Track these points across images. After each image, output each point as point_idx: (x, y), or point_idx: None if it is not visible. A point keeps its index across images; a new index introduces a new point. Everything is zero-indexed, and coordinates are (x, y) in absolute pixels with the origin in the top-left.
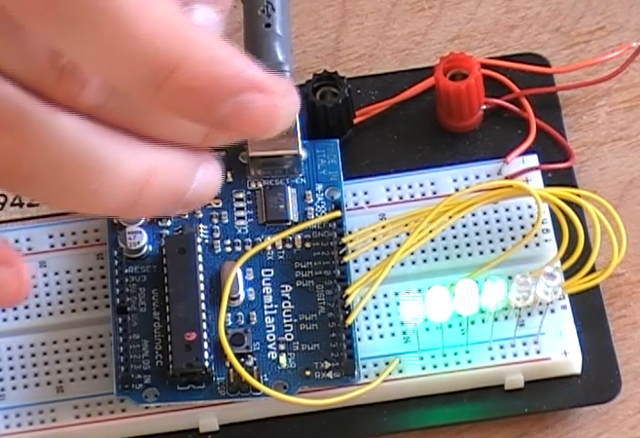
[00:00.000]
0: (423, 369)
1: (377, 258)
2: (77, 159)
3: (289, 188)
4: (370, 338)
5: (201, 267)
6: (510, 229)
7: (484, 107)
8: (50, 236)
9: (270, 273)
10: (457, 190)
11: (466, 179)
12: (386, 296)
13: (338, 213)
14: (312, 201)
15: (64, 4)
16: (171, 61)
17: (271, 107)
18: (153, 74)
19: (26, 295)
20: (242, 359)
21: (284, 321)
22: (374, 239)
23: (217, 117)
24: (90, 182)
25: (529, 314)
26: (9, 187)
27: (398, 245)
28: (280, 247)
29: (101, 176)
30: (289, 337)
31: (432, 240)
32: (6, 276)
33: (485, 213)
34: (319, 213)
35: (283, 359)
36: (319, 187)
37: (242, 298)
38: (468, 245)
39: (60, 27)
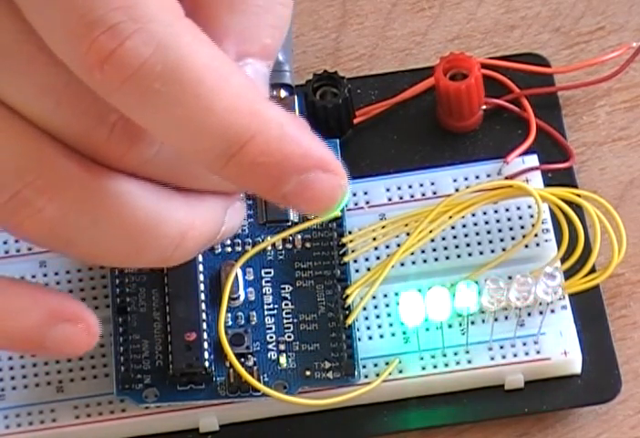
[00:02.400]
0: (423, 369)
1: (377, 258)
2: (120, 221)
3: None
4: (370, 338)
5: (201, 267)
6: (511, 229)
7: (484, 107)
8: None
9: (270, 273)
10: (457, 190)
11: (466, 179)
12: (386, 296)
13: (338, 213)
14: None
15: (146, 76)
16: (245, 135)
17: (333, 187)
18: (225, 146)
19: (93, 346)
20: (242, 359)
21: (284, 321)
22: (374, 239)
23: (281, 193)
24: (132, 242)
25: (529, 314)
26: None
27: (398, 245)
28: (280, 247)
29: (143, 235)
30: (289, 337)
31: (432, 240)
32: (74, 333)
33: (485, 213)
34: None
35: (283, 359)
36: None
37: (242, 298)
38: (468, 245)
39: (139, 98)
